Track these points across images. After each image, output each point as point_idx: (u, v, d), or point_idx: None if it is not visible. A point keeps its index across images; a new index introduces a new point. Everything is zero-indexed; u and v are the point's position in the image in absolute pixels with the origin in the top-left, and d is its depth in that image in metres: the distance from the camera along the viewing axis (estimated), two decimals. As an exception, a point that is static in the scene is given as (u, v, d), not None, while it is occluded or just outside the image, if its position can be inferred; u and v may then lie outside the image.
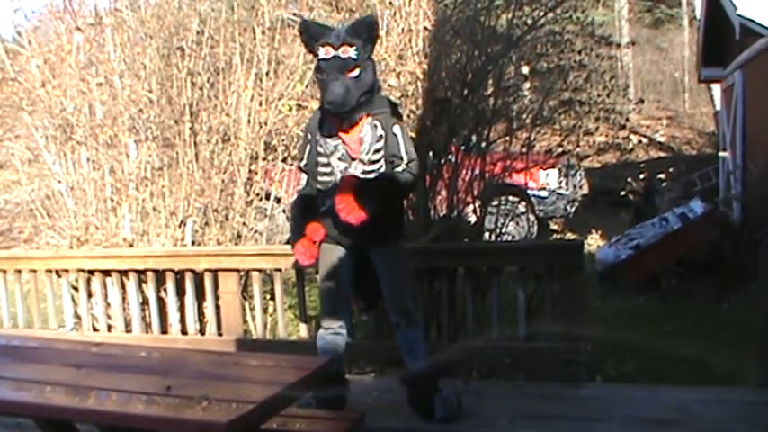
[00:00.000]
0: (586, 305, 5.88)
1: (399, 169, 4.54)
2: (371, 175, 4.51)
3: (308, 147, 4.68)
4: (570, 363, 5.42)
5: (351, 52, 4.37)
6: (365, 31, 4.48)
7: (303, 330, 6.22)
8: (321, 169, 4.61)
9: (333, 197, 4.44)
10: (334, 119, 4.50)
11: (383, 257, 4.70)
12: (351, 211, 4.34)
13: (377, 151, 4.53)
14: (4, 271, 7.37)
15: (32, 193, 7.78)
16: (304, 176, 4.76)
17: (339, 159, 4.55)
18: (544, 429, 4.79)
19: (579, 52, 6.84)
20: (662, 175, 16.63)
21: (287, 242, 4.87)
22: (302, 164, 4.74)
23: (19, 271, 7.34)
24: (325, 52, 4.36)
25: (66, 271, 7.09)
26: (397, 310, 4.75)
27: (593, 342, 5.43)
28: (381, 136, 4.52)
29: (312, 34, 4.45)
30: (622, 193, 15.88)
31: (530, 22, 6.49)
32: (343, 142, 4.53)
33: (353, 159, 4.52)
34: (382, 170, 4.54)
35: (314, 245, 4.64)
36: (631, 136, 14.17)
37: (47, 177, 7.70)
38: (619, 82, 14.39)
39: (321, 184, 4.62)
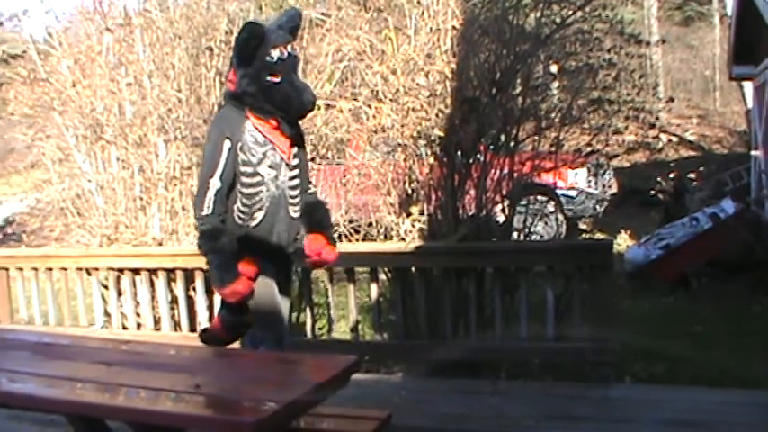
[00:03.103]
0: (615, 305, 5.85)
1: (311, 191, 4.60)
2: (296, 182, 4.38)
3: (225, 156, 4.18)
4: (598, 363, 5.39)
5: (297, 48, 4.30)
6: (297, 26, 4.40)
7: (331, 329, 6.24)
8: (246, 180, 4.23)
9: (266, 211, 4.27)
10: (271, 122, 4.25)
11: (287, 271, 4.59)
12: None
13: (296, 156, 4.40)
14: (36, 269, 7.45)
15: (63, 192, 7.84)
16: (211, 193, 4.16)
17: (269, 167, 4.26)
18: (570, 430, 4.78)
19: (608, 51, 6.79)
20: (692, 175, 16.45)
21: (221, 281, 4.23)
22: (216, 177, 4.16)
23: (50, 269, 7.41)
24: (279, 53, 4.15)
25: (96, 269, 7.14)
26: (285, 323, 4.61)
27: (621, 342, 5.41)
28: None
29: (261, 36, 4.16)
30: (652, 192, 15.74)
31: (558, 20, 6.46)
32: (275, 147, 4.27)
33: (284, 165, 4.31)
34: (301, 177, 4.44)
35: (249, 281, 4.30)
36: (661, 135, 14.07)
37: (77, 176, 7.75)
38: (648, 80, 14.31)
39: (246, 198, 4.25)
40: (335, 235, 7.08)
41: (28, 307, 7.54)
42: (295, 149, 4.40)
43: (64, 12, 8.54)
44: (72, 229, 7.72)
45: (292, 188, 4.38)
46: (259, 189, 4.24)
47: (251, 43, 4.16)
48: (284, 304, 4.56)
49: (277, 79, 4.17)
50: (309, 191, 4.60)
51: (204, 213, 4.17)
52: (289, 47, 4.21)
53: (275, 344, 4.43)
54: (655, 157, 14.04)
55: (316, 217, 4.54)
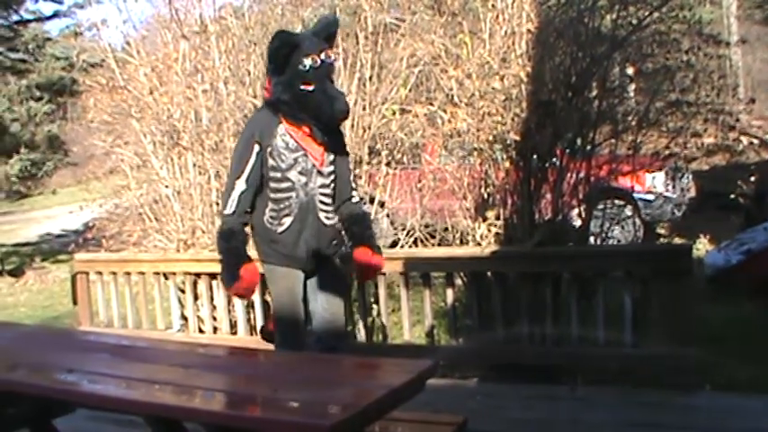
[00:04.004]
0: (695, 311, 5.73)
1: (355, 200, 4.65)
2: (329, 189, 4.46)
3: (254, 159, 4.33)
4: (678, 370, 5.28)
5: (332, 55, 4.34)
6: (333, 33, 4.45)
7: (406, 334, 6.23)
8: (275, 185, 4.36)
9: (294, 217, 4.37)
10: (304, 129, 4.33)
11: (330, 274, 4.60)
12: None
13: (331, 162, 4.47)
14: (115, 273, 7.58)
15: (141, 197, 7.97)
16: (236, 194, 4.35)
17: (300, 173, 4.34)
18: (653, 438, 4.68)
19: (686, 52, 6.65)
20: (774, 178, 16.07)
21: (227, 281, 4.50)
22: (242, 179, 4.33)
23: (128, 273, 7.55)
24: (312, 61, 4.20)
25: (174, 273, 7.24)
26: (335, 333, 4.62)
27: (702, 349, 5.28)
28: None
29: (293, 45, 4.25)
30: (732, 195, 15.40)
31: (635, 22, 6.35)
32: (306, 153, 4.35)
33: (316, 172, 4.38)
34: (335, 183, 4.50)
35: (250, 284, 4.45)
36: (741, 137, 13.73)
37: (154, 182, 7.87)
38: (728, 82, 14.00)
39: (275, 203, 4.38)
40: (411, 240, 7.13)
41: (107, 310, 7.69)
42: (331, 157, 4.46)
43: (141, 20, 8.69)
44: (149, 233, 7.84)
45: (324, 195, 4.44)
46: (289, 195, 4.35)
47: (282, 51, 4.25)
48: (330, 306, 4.60)
49: (310, 87, 4.24)
50: (352, 199, 4.65)
51: (227, 212, 4.38)
52: (323, 54, 4.26)
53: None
54: (735, 159, 13.70)
55: (357, 231, 4.61)
